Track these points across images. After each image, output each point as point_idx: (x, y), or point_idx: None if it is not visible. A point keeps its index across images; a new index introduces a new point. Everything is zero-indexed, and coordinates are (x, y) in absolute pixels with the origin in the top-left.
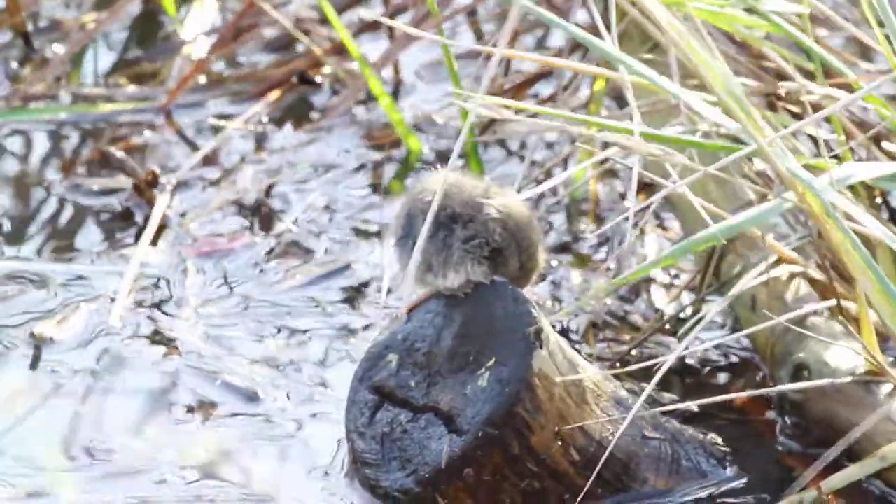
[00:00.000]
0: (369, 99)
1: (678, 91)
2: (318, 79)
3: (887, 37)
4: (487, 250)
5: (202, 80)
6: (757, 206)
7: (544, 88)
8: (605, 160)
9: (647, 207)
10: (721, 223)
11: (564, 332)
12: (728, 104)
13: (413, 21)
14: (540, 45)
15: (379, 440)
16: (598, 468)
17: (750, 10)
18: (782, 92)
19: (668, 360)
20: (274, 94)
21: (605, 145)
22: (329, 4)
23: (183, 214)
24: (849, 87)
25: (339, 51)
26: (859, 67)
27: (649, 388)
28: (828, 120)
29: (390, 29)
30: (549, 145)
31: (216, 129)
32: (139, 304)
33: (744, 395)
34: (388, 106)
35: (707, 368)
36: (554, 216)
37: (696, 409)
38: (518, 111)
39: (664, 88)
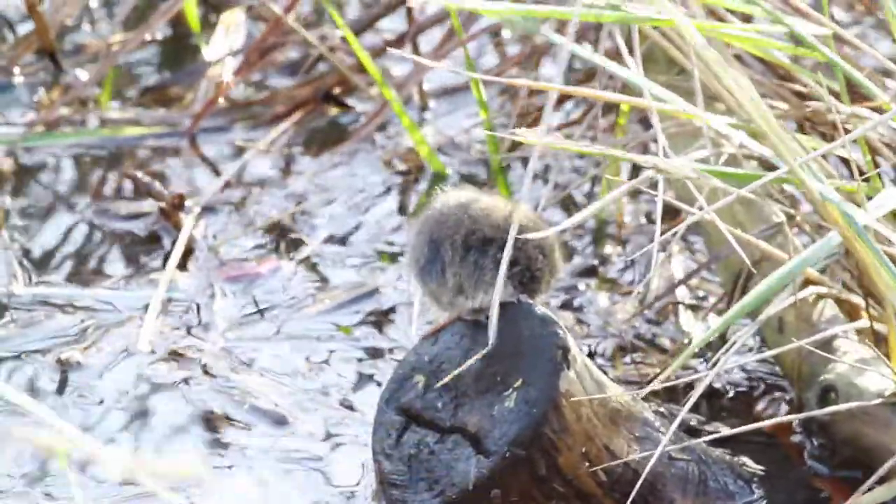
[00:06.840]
0: (393, 122)
1: (705, 116)
2: (343, 99)
3: None
4: (528, 276)
5: (226, 103)
6: (805, 250)
7: (571, 110)
8: (631, 181)
9: (674, 233)
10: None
11: (591, 355)
12: (758, 127)
13: (437, 43)
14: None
15: (406, 461)
16: (627, 490)
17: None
18: (809, 110)
19: (701, 385)
20: (298, 116)
21: (634, 169)
22: (349, 26)
23: (210, 238)
24: (876, 108)
25: (364, 69)
26: (887, 88)
27: (682, 412)
28: (855, 141)
29: (415, 48)
30: (574, 168)
31: (241, 153)
32: (167, 328)
33: (773, 421)
34: (412, 128)
35: (733, 390)
36: (580, 239)
37: (724, 432)
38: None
39: (690, 114)
